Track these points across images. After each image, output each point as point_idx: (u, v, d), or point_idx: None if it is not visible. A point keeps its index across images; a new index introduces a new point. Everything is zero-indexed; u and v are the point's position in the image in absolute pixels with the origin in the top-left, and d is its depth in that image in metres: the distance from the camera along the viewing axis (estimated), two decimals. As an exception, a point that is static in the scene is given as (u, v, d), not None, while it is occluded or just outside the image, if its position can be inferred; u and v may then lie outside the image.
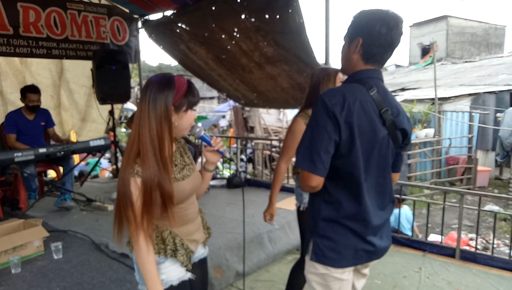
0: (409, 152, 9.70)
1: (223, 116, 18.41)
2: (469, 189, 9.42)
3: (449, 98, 10.70)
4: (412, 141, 10.03)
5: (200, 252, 1.66)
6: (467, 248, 5.39)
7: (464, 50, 21.57)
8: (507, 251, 4.76)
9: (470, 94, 10.62)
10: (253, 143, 9.58)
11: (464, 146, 10.37)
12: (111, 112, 5.50)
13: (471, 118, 10.18)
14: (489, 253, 3.60)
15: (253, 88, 5.64)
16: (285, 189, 4.89)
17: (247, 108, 11.11)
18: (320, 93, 2.17)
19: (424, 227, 4.24)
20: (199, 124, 1.53)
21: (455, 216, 6.08)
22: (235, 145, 7.41)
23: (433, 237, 5.73)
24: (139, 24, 5.64)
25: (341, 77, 2.25)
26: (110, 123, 5.64)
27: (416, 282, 3.11)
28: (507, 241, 6.22)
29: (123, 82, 5.00)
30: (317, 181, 1.39)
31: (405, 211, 5.34)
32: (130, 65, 5.61)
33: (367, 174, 1.44)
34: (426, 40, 21.43)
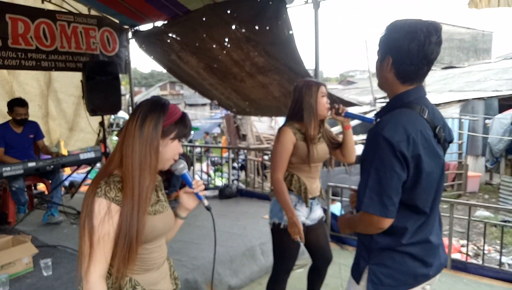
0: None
1: (219, 125, 18.37)
2: (460, 194, 9.51)
3: (439, 104, 10.80)
4: (403, 148, 10.09)
5: None
6: (459, 255, 5.44)
7: (453, 56, 21.83)
8: (498, 257, 4.79)
9: (459, 101, 10.75)
10: (245, 151, 9.58)
11: (455, 152, 10.47)
12: (102, 124, 5.46)
13: (460, 125, 10.29)
14: (480, 261, 3.62)
15: (245, 97, 5.65)
16: (266, 198, 4.89)
17: (239, 116, 11.14)
18: (303, 107, 2.19)
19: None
20: (184, 162, 1.41)
21: (446, 222, 6.10)
22: (226, 154, 7.39)
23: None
24: (130, 34, 5.63)
25: (324, 91, 2.23)
26: (101, 134, 5.61)
27: (408, 293, 3.11)
28: (498, 247, 6.27)
29: (113, 93, 4.97)
30: (389, 223, 1.33)
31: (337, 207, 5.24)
32: (121, 75, 5.58)
33: (433, 200, 1.40)
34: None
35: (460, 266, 3.51)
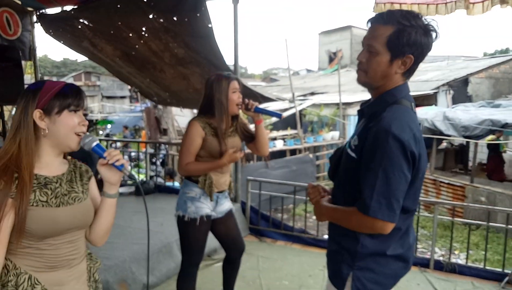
0: (317, 154, 10.26)
1: (142, 118, 17.65)
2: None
3: (352, 103, 11.55)
4: (320, 143, 10.64)
5: None
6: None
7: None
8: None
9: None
10: (166, 146, 9.32)
11: (366, 147, 11.29)
12: (0, 115, 4.92)
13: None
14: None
15: (165, 88, 5.45)
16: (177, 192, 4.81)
17: (160, 107, 10.78)
18: (214, 103, 2.17)
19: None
20: (91, 135, 1.30)
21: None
22: (144, 150, 7.13)
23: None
24: (34, 18, 5.12)
25: (235, 86, 2.23)
26: (0, 127, 5.04)
27: (321, 280, 3.28)
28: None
29: (14, 82, 4.48)
30: (392, 228, 1.25)
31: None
32: (24, 63, 5.06)
33: (415, 199, 1.36)
34: (333, 47, 22.91)
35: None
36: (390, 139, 1.20)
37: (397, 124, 1.22)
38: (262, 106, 2.39)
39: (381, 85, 1.33)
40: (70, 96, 1.22)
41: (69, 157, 1.37)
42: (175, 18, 3.89)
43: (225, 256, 2.59)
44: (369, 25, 1.34)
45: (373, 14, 1.34)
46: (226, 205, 2.44)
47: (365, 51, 1.32)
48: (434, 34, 1.27)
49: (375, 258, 1.34)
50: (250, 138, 2.40)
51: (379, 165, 1.22)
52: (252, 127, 2.44)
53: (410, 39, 1.24)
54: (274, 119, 10.94)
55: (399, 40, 1.25)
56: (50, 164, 1.25)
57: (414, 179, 1.27)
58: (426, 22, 1.25)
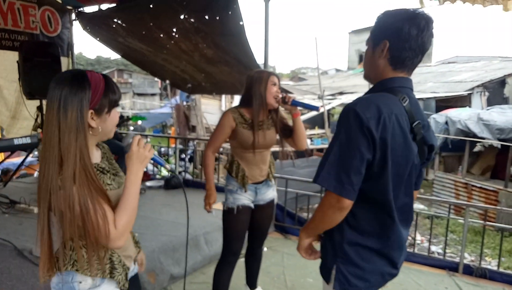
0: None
1: (171, 116, 18.03)
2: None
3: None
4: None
5: (132, 267, 1.51)
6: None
7: (397, 58, 22.97)
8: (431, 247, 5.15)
9: (400, 100, 11.34)
10: (195, 142, 9.47)
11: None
12: (40, 108, 5.15)
13: (401, 122, 10.88)
14: (411, 250, 3.88)
15: (201, 69, 5.40)
16: (221, 190, 4.86)
17: (190, 99, 10.84)
18: (252, 94, 2.24)
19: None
20: (132, 134, 1.36)
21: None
22: (175, 145, 7.27)
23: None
24: (73, 16, 5.34)
25: (275, 80, 2.29)
26: (39, 120, 5.28)
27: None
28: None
29: (53, 76, 4.68)
30: (348, 203, 1.22)
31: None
32: (63, 59, 5.28)
33: (396, 196, 1.30)
34: (364, 46, 22.51)
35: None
36: (350, 115, 1.21)
37: (362, 103, 1.23)
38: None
39: (373, 76, 1.37)
40: (115, 93, 1.27)
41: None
42: (206, 17, 3.96)
43: (247, 247, 2.67)
44: None
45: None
46: (269, 194, 2.51)
47: None
48: (416, 22, 1.24)
49: (356, 249, 1.32)
50: (288, 133, 2.43)
51: (336, 139, 1.24)
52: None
53: (382, 25, 1.30)
54: (301, 118, 10.90)
55: (376, 27, 1.33)
56: (92, 152, 1.31)
57: (381, 169, 1.23)
58: (416, 16, 1.25)
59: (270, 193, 2.51)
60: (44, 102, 5.26)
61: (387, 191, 1.27)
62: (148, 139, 11.00)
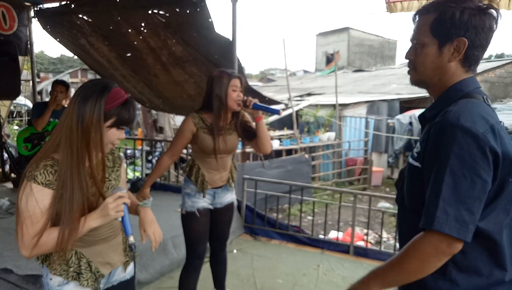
0: (313, 154, 10.29)
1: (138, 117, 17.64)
2: (365, 188, 10.30)
3: (348, 104, 11.58)
4: (316, 144, 10.66)
5: (121, 275, 1.52)
6: (362, 243, 5.89)
7: (363, 60, 23.59)
8: (396, 243, 5.29)
9: (366, 101, 11.63)
10: (162, 144, 9.30)
11: (361, 148, 11.33)
12: (-4, 109, 4.90)
13: (367, 123, 11.15)
14: (378, 248, 3.96)
15: (158, 94, 5.44)
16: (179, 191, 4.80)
17: (156, 108, 10.75)
18: (212, 99, 2.17)
19: (325, 225, 4.49)
20: (122, 189, 1.35)
21: (349, 213, 6.58)
22: (140, 147, 7.11)
23: (333, 234, 6.14)
24: (32, 13, 5.10)
25: (236, 84, 2.22)
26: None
27: (314, 279, 3.29)
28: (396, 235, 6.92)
29: (10, 76, 4.47)
30: (460, 248, 0.98)
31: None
32: (21, 58, 5.04)
33: (500, 225, 1.05)
34: (330, 48, 22.97)
35: (361, 252, 3.80)
36: (458, 133, 0.97)
37: (466, 116, 0.99)
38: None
39: (437, 81, 1.15)
40: (127, 114, 1.29)
41: None
42: (177, 10, 3.91)
43: (209, 251, 2.62)
44: (415, 20, 1.19)
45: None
46: (227, 197, 2.47)
47: (412, 48, 1.18)
48: (491, 12, 1.07)
49: None
50: (252, 136, 2.37)
51: (445, 166, 0.97)
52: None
53: (455, 19, 1.07)
54: (271, 118, 10.95)
55: (444, 22, 1.09)
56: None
57: (499, 191, 1.01)
58: (487, 7, 1.07)
59: (229, 197, 2.48)
60: (0, 102, 5.01)
61: (500, 223, 1.03)
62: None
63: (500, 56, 27.54)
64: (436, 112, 1.11)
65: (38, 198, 1.21)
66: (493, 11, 1.06)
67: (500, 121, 1.07)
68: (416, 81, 1.21)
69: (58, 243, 1.22)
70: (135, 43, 4.63)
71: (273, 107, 2.40)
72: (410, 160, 1.14)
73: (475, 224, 0.97)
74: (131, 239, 1.31)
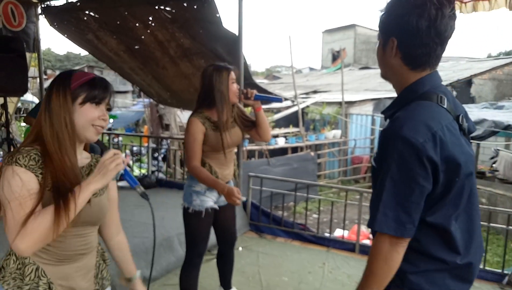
0: (319, 152, 10.26)
1: (144, 114, 17.73)
2: (371, 186, 10.26)
3: (354, 102, 11.52)
4: (321, 142, 10.63)
5: None
6: (367, 241, 5.87)
7: (369, 57, 23.43)
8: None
9: (373, 99, 11.56)
10: (168, 141, 9.32)
11: (367, 146, 11.28)
12: (4, 106, 4.92)
13: (373, 121, 11.10)
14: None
15: (166, 87, 5.47)
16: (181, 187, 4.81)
17: (161, 106, 10.80)
18: (214, 95, 2.17)
19: (331, 223, 4.48)
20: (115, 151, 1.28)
21: (356, 211, 6.55)
22: (146, 144, 7.13)
23: (339, 232, 6.12)
24: (39, 10, 5.12)
25: (234, 77, 2.24)
26: (3, 118, 5.05)
27: (320, 277, 3.28)
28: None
29: (18, 73, 4.48)
30: (404, 246, 1.09)
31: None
32: (29, 55, 5.07)
33: (458, 211, 1.15)
34: (337, 46, 22.87)
35: (367, 250, 3.77)
36: (398, 143, 1.05)
37: (409, 125, 1.06)
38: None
39: (392, 78, 1.21)
40: (97, 89, 1.22)
41: (93, 153, 1.39)
42: (185, 4, 3.91)
43: (217, 249, 2.64)
44: None
45: (377, 13, 1.23)
46: None
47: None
48: (425, 11, 1.06)
49: (428, 276, 1.15)
50: (250, 126, 2.41)
51: (385, 174, 1.07)
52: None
53: (388, 19, 1.14)
54: (276, 116, 10.94)
55: (382, 22, 1.16)
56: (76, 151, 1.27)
57: (447, 190, 1.09)
58: (424, 2, 1.06)
59: None
60: (9, 99, 5.04)
61: (449, 213, 1.12)
62: (120, 138, 10.75)
63: (508, 54, 27.27)
64: (392, 112, 1.18)
65: (22, 178, 1.10)
66: (428, 9, 1.05)
67: (459, 115, 1.14)
68: (382, 76, 1.28)
69: (54, 220, 1.07)
70: (143, 37, 4.65)
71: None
72: (372, 161, 1.21)
73: (414, 223, 1.07)
74: (140, 188, 1.29)
